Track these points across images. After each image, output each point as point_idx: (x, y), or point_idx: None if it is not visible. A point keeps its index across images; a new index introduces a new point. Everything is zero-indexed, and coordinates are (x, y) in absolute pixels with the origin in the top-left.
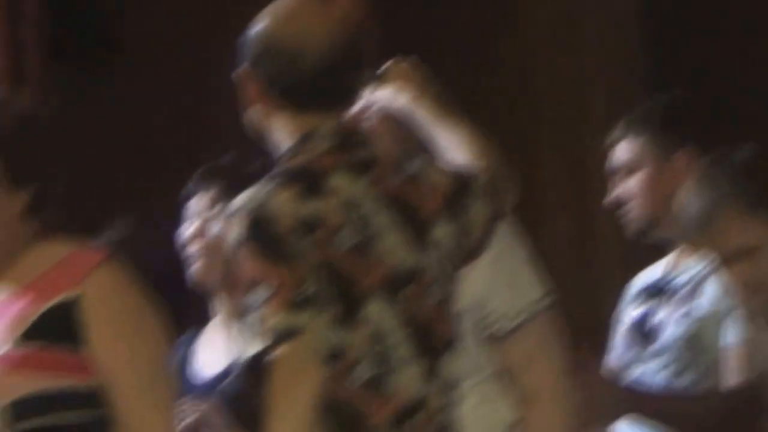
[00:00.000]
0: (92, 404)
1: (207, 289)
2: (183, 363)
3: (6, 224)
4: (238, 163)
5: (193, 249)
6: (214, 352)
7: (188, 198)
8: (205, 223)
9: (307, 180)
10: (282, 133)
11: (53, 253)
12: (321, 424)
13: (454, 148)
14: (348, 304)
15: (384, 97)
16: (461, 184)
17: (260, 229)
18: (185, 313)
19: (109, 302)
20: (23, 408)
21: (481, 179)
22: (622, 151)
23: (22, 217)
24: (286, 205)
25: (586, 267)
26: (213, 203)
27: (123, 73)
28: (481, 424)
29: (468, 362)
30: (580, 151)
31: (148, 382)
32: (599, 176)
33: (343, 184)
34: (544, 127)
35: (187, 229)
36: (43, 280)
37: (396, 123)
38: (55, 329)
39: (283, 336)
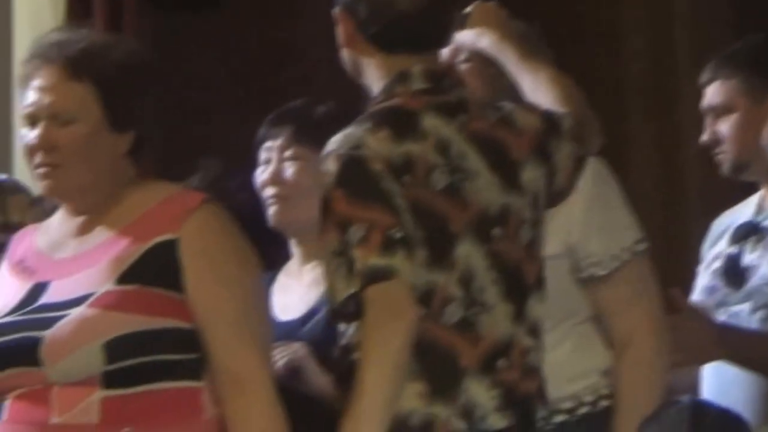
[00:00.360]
0: (189, 345)
1: (284, 232)
2: None
3: (108, 165)
4: (311, 105)
5: (269, 192)
6: (292, 295)
7: (263, 141)
8: (280, 165)
9: (400, 121)
10: (374, 74)
11: (152, 195)
12: (412, 365)
13: (540, 90)
14: (439, 245)
15: (468, 38)
16: (549, 125)
17: (354, 170)
18: (266, 255)
19: (206, 245)
20: (121, 346)
21: (567, 121)
22: (713, 93)
23: (123, 160)
24: (379, 145)
25: (673, 209)
26: (287, 146)
27: (219, 16)
28: (576, 368)
29: (563, 306)
30: (665, 93)
31: (244, 324)
32: (686, 118)
33: (435, 125)
34: (630, 68)
35: (263, 173)
36: (142, 222)
37: (485, 63)
38: (153, 271)
39: (376, 277)
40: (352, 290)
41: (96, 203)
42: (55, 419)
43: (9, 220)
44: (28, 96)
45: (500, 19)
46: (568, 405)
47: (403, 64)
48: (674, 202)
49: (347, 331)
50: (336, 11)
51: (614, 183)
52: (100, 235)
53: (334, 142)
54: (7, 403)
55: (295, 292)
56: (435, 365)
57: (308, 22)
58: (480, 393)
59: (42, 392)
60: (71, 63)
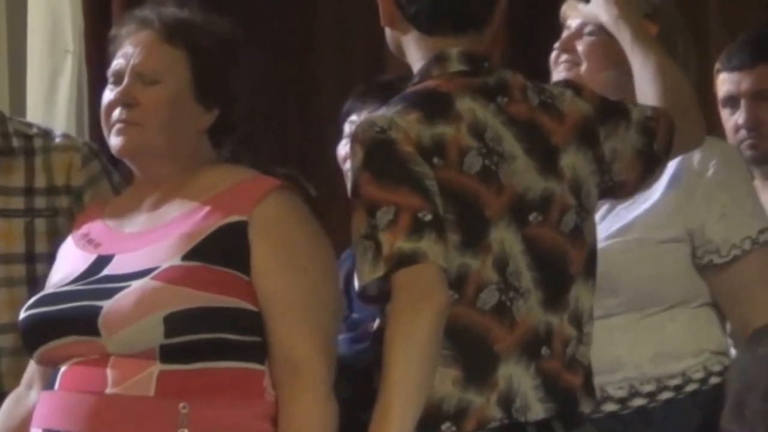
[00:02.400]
0: (252, 327)
1: None
2: None
3: (186, 136)
4: (398, 79)
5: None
6: None
7: (348, 114)
8: None
9: (432, 103)
10: (414, 54)
11: (227, 177)
12: (447, 350)
13: (644, 76)
14: (473, 229)
15: (592, 11)
16: (605, 112)
17: (381, 152)
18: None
19: (275, 230)
20: (181, 320)
21: (640, 112)
22: (752, 77)
23: (203, 137)
24: (408, 127)
25: None
26: None
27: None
28: (686, 347)
29: (680, 290)
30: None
31: (306, 312)
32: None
33: (470, 108)
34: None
35: (345, 146)
36: (214, 201)
37: (612, 39)
38: (221, 250)
39: (404, 261)
40: (379, 274)
41: (167, 174)
42: (110, 389)
43: (54, 183)
44: (117, 57)
45: None
46: (675, 382)
47: (442, 45)
48: None
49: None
50: None
51: (744, 170)
52: (171, 211)
53: (361, 124)
54: (63, 371)
55: None
56: (469, 351)
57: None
58: (523, 381)
59: (99, 362)
60: (168, 28)
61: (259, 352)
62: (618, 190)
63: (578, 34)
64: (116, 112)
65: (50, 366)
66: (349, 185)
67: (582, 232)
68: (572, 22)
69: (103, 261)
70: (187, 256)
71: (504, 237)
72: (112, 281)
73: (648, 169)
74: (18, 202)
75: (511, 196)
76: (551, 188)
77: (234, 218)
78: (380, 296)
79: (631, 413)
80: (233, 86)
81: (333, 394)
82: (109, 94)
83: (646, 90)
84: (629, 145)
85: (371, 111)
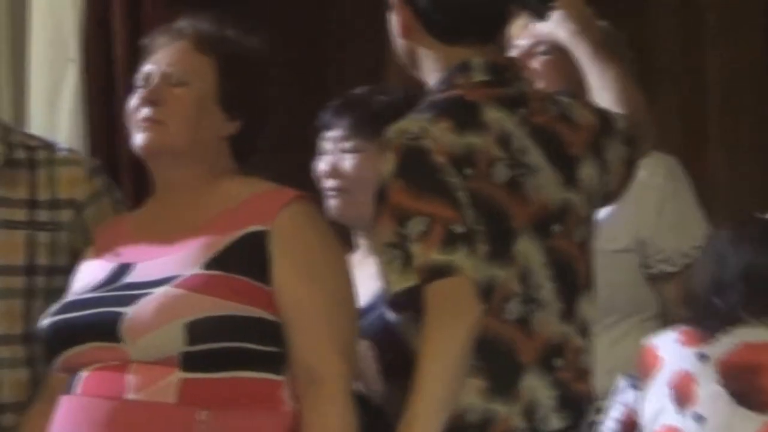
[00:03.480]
0: (273, 337)
1: (347, 225)
2: None
3: (208, 140)
4: (370, 94)
5: (328, 185)
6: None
7: (323, 130)
8: (339, 157)
9: (462, 112)
10: (431, 66)
11: (247, 188)
12: (472, 360)
13: (604, 88)
14: (501, 240)
15: (547, 29)
16: (604, 123)
17: (414, 161)
18: None
19: (296, 240)
20: (203, 328)
21: (621, 123)
22: None
23: (224, 145)
24: (442, 136)
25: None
26: (346, 138)
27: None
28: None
29: (630, 300)
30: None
31: (327, 322)
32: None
33: (496, 119)
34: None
35: (322, 164)
36: (235, 211)
37: (564, 57)
38: (242, 260)
39: (437, 273)
40: (411, 284)
41: (186, 179)
42: (131, 395)
43: (57, 196)
44: (147, 64)
45: (583, 13)
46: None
47: (462, 55)
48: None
49: (406, 324)
50: (394, 1)
51: (686, 180)
52: (191, 220)
53: (394, 130)
54: (84, 376)
55: (359, 283)
56: (495, 361)
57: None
58: (541, 392)
59: (119, 368)
60: (200, 37)
61: (279, 362)
62: (606, 200)
63: (530, 53)
64: (142, 111)
65: (71, 372)
66: (375, 191)
67: (588, 243)
68: (522, 42)
69: (124, 269)
70: (208, 265)
71: (527, 248)
72: (133, 288)
73: (629, 177)
74: (20, 214)
75: (536, 207)
76: (570, 199)
77: (254, 228)
78: (405, 305)
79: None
80: (258, 101)
81: (353, 401)
82: (136, 95)
83: (606, 99)
84: (618, 155)
85: (345, 128)
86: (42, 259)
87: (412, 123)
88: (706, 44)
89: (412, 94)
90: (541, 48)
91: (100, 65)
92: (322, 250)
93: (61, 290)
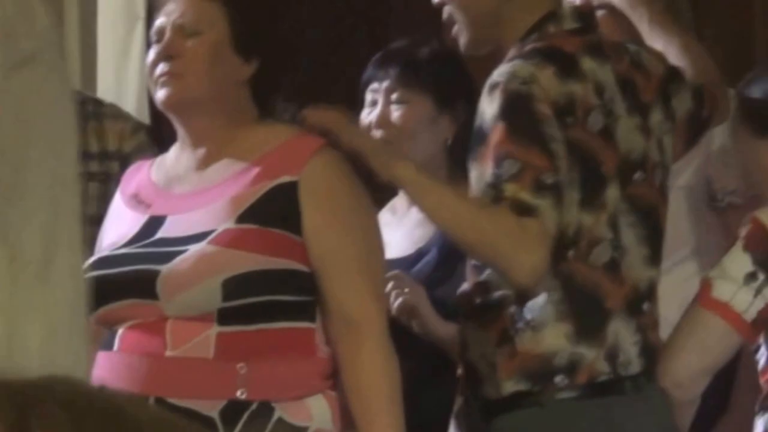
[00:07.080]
0: (305, 287)
1: None
2: None
3: (228, 86)
4: (416, 46)
5: (376, 135)
6: (395, 233)
7: (369, 82)
8: (386, 109)
9: (562, 61)
10: (516, 16)
11: (274, 137)
12: (559, 305)
13: (672, 56)
14: (592, 187)
15: None
16: (671, 71)
17: (519, 107)
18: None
19: (325, 189)
20: (239, 284)
21: (689, 78)
22: None
23: (244, 89)
24: (548, 83)
25: None
26: (393, 89)
27: None
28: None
29: (691, 236)
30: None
31: (361, 268)
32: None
33: (591, 68)
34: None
35: (369, 115)
36: (263, 162)
37: (618, 15)
38: (273, 212)
39: (522, 210)
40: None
41: (210, 129)
42: (169, 352)
43: (106, 148)
44: (159, 17)
45: None
46: None
47: (549, 4)
48: None
49: (483, 269)
50: None
51: None
52: (220, 172)
53: (502, 74)
54: (120, 333)
55: (399, 229)
56: (582, 306)
57: None
58: (626, 337)
59: (156, 324)
60: None
61: (311, 310)
62: (679, 144)
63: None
64: (160, 67)
65: (107, 327)
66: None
67: (666, 188)
68: None
69: (155, 222)
70: (240, 219)
71: (615, 195)
72: (168, 245)
73: (694, 134)
74: None
75: (621, 155)
76: (647, 146)
77: (284, 179)
78: None
79: None
80: (271, 37)
81: (390, 341)
82: (152, 51)
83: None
84: (684, 108)
85: (392, 80)
86: (91, 209)
87: (521, 67)
88: None
89: (453, 46)
90: (595, 2)
91: None
92: (351, 199)
93: None
